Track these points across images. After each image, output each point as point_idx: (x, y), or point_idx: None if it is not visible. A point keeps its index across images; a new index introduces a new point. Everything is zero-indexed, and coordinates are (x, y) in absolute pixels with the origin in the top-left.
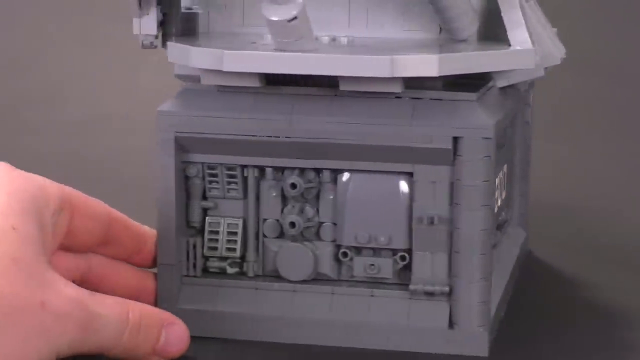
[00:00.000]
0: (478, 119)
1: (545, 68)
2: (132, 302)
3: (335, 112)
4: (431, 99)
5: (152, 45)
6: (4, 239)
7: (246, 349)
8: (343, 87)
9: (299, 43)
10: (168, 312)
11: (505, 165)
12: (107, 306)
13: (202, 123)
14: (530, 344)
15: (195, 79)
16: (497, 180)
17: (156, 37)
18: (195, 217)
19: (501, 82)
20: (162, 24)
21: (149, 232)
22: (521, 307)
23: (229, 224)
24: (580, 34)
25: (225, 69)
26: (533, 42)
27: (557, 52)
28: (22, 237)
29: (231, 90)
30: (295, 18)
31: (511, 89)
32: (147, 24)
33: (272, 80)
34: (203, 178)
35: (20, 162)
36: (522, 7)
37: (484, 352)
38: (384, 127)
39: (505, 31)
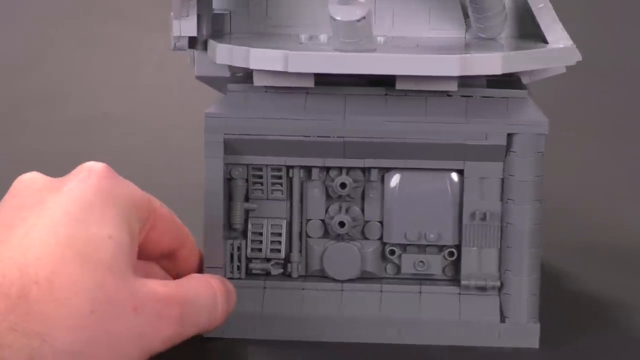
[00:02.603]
0: (532, 115)
1: None
2: (206, 274)
3: (389, 111)
4: (482, 96)
5: (183, 48)
6: (101, 248)
7: (293, 350)
8: (400, 86)
9: (360, 43)
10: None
11: None
12: (195, 287)
13: (252, 125)
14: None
15: (217, 81)
16: None
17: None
18: (238, 218)
19: (524, 80)
20: None
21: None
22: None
23: (272, 225)
24: (580, 34)
25: (290, 70)
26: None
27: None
28: (116, 246)
29: (280, 91)
30: (363, 18)
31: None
32: (187, 26)
33: (320, 81)
34: (246, 180)
35: (21, 162)
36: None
37: (535, 344)
38: (438, 125)
39: (529, 28)
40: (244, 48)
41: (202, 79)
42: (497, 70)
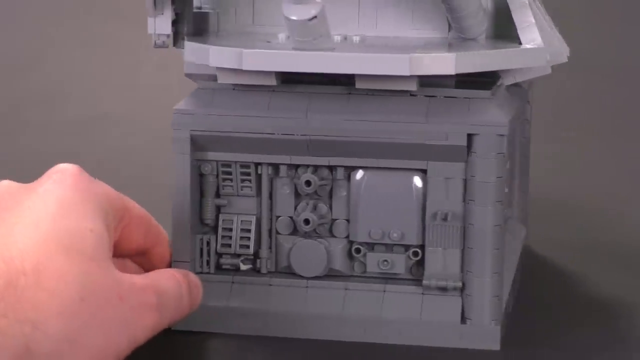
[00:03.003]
0: (493, 116)
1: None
2: (170, 268)
3: (351, 110)
4: (445, 96)
5: (164, 45)
6: (83, 240)
7: (259, 344)
8: (359, 85)
9: (317, 42)
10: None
11: (509, 162)
12: (166, 279)
13: (218, 121)
14: (538, 340)
15: (206, 78)
16: None
17: (169, 36)
18: (209, 214)
19: (508, 80)
20: (174, 24)
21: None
22: (520, 304)
23: (242, 221)
24: (580, 34)
25: (244, 68)
26: (543, 41)
27: (563, 50)
28: (97, 238)
29: (247, 88)
30: (315, 17)
31: (515, 87)
32: (162, 24)
33: (287, 79)
34: (217, 176)
35: (21, 162)
36: (530, 6)
37: (496, 346)
38: (399, 125)
39: (513, 30)
40: (205, 46)
41: (191, 76)
42: (450, 71)
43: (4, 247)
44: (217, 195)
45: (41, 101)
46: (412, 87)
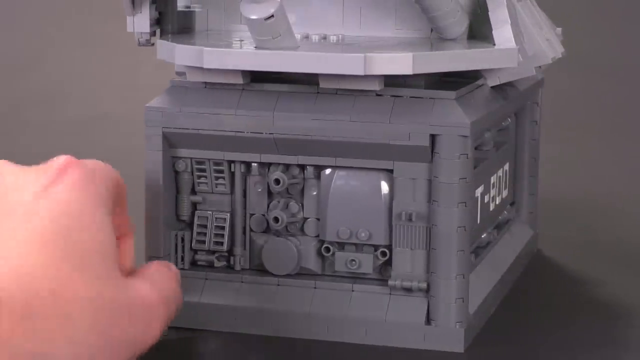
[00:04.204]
0: (456, 117)
1: (539, 67)
2: (163, 263)
3: (317, 109)
4: (411, 97)
5: (148, 43)
6: (95, 256)
7: (230, 340)
8: (323, 84)
9: (277, 41)
10: None
11: (507, 164)
12: (168, 280)
13: (189, 119)
14: (515, 341)
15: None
16: (493, 179)
17: (151, 35)
18: (185, 210)
19: (492, 81)
20: (158, 22)
21: None
22: (521, 304)
23: (216, 218)
24: (580, 34)
25: (205, 66)
26: (518, 41)
27: (550, 51)
28: (107, 250)
29: (218, 87)
30: (272, 17)
31: (509, 88)
32: (140, 22)
33: (259, 78)
34: (192, 173)
35: (21, 162)
36: (509, 6)
37: (460, 349)
38: (363, 125)
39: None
40: (172, 44)
41: (181, 74)
42: (408, 71)
43: (15, 264)
44: (194, 192)
45: (41, 101)
46: (375, 87)
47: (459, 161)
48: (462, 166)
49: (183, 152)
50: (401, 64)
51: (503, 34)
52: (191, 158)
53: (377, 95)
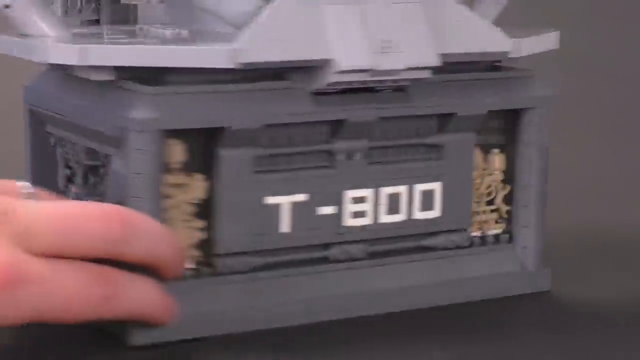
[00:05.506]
0: (138, 112)
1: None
2: None
3: (66, 92)
4: (123, 88)
5: None
6: None
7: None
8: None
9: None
10: None
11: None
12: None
13: (42, 99)
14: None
15: None
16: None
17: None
18: (61, 182)
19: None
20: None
21: None
22: (519, 304)
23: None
24: (580, 34)
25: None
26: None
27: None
28: None
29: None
30: (6, 7)
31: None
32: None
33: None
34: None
35: (20, 162)
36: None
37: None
38: (87, 109)
39: None
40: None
41: None
42: (74, 62)
43: None
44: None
45: None
46: (108, 77)
47: (138, 155)
48: (141, 161)
49: (49, 128)
50: (68, 54)
51: None
52: (52, 134)
53: (118, 87)
